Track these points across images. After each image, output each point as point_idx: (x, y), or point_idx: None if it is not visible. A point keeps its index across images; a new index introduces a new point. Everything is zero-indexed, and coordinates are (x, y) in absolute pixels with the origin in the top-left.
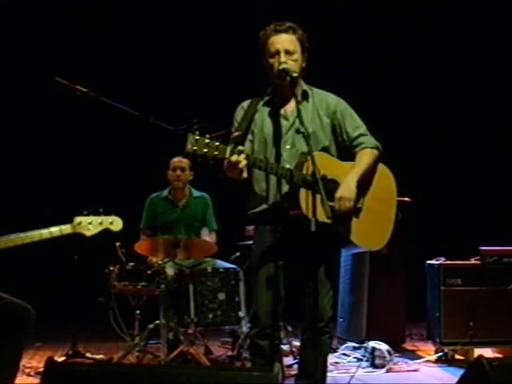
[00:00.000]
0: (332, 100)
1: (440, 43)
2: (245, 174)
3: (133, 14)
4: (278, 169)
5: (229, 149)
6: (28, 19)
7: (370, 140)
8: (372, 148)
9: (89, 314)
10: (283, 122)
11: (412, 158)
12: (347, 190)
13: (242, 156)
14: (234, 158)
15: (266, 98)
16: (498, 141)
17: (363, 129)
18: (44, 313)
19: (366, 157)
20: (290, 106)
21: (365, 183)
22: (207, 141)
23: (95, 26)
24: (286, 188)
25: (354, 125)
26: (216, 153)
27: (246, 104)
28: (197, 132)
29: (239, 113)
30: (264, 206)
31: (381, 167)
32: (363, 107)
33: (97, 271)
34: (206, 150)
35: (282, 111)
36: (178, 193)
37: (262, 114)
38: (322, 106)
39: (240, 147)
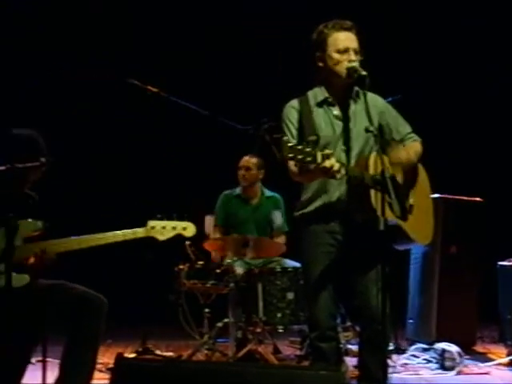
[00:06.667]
0: (381, 101)
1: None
2: (339, 176)
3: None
4: (353, 171)
5: (319, 154)
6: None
7: (417, 137)
8: (420, 143)
9: (159, 311)
10: (338, 123)
11: (486, 159)
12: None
13: (334, 161)
14: (328, 163)
15: (320, 99)
16: None
17: (410, 127)
18: (115, 311)
19: (417, 145)
20: (343, 106)
21: (413, 179)
22: (300, 147)
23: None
24: (344, 188)
25: (404, 124)
26: (309, 159)
27: (295, 104)
28: (285, 138)
29: (290, 113)
30: (316, 205)
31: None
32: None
33: (167, 270)
34: (300, 157)
35: (336, 112)
36: (248, 191)
37: (317, 115)
38: (373, 106)
39: (327, 151)
